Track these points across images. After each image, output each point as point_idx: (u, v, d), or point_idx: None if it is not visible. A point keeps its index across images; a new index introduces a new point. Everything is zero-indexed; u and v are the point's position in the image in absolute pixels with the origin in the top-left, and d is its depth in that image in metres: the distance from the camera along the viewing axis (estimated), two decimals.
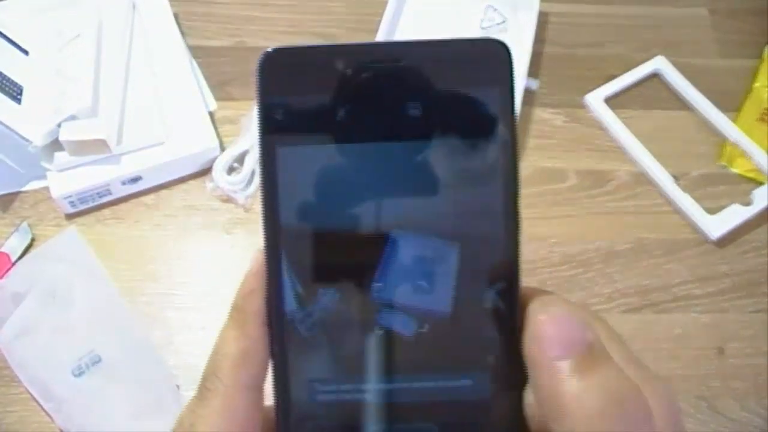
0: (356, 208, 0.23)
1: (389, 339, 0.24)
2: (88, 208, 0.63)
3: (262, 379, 0.23)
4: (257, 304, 0.23)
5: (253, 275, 0.24)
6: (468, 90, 0.23)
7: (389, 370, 0.24)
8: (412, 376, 0.24)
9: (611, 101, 0.72)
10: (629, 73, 0.73)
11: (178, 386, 0.56)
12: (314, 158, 0.23)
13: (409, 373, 0.24)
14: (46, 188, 0.62)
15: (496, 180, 0.23)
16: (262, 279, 0.24)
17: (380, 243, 0.23)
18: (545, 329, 0.22)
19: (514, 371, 0.23)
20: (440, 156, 0.23)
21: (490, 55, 0.23)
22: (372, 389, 0.24)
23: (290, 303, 0.23)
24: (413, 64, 0.23)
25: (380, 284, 0.23)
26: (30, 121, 0.60)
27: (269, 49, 0.23)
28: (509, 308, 0.24)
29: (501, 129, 0.23)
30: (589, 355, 0.21)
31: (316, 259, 0.24)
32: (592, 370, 0.21)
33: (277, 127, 0.23)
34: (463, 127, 0.23)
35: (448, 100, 0.23)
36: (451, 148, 0.23)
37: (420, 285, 0.24)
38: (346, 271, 0.24)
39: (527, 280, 0.68)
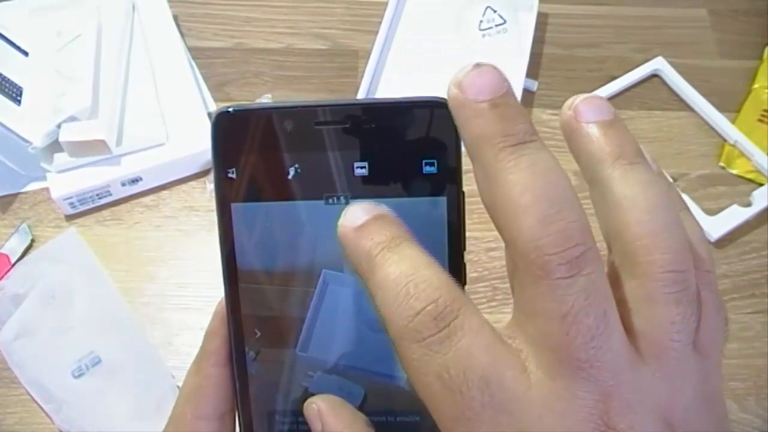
0: (302, 263, 0.25)
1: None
2: (88, 209, 0.63)
3: (218, 411, 0.26)
4: (214, 344, 0.26)
5: (215, 318, 0.26)
6: (414, 149, 0.24)
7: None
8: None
9: (611, 102, 0.72)
10: (629, 73, 0.73)
11: (178, 387, 0.56)
12: (265, 214, 0.25)
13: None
14: (46, 189, 0.62)
15: (444, 235, 0.24)
16: (221, 323, 0.26)
17: (323, 296, 0.25)
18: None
19: None
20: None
21: (437, 115, 0.24)
22: None
23: (247, 347, 0.25)
24: (360, 125, 0.24)
25: (321, 340, 0.25)
26: (30, 122, 0.60)
27: (222, 108, 0.25)
28: None
29: (447, 186, 0.24)
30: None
31: (266, 309, 0.25)
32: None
33: (230, 184, 0.25)
34: (410, 185, 0.24)
35: (394, 159, 0.24)
36: (398, 205, 0.24)
37: (359, 345, 0.25)
38: (292, 325, 0.25)
39: None
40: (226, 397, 0.26)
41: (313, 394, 0.24)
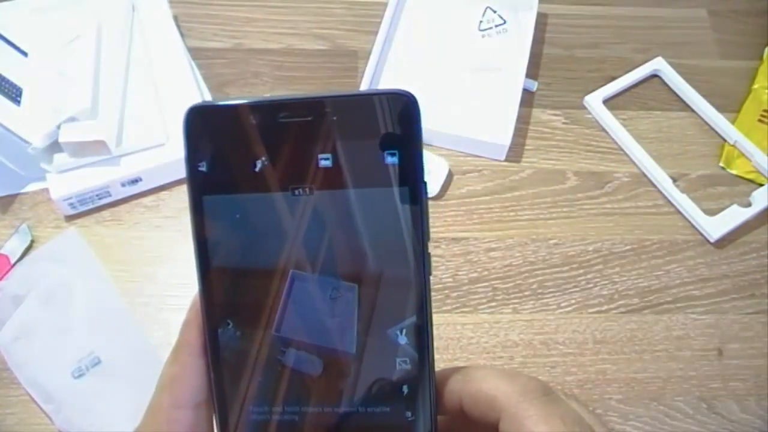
0: (271, 252, 0.26)
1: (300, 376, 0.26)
2: (88, 209, 0.63)
3: (194, 399, 0.26)
4: (190, 335, 0.27)
5: (191, 309, 0.27)
6: (376, 140, 0.25)
7: (306, 399, 0.26)
8: (328, 402, 0.26)
9: (611, 102, 0.72)
10: (629, 74, 0.73)
11: None
12: (235, 206, 0.26)
13: (325, 400, 0.26)
14: (46, 190, 0.62)
15: (407, 225, 0.25)
16: (197, 314, 0.26)
17: (290, 285, 0.26)
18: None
19: (427, 400, 0.25)
20: (350, 204, 0.25)
21: (398, 106, 0.25)
22: (296, 412, 0.26)
23: (220, 336, 0.26)
24: (323, 118, 0.25)
25: (290, 323, 0.26)
26: (29, 122, 0.60)
27: (193, 105, 0.25)
28: (420, 344, 0.26)
29: (409, 177, 0.25)
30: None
31: (237, 298, 0.26)
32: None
33: (202, 177, 0.25)
34: (373, 175, 0.25)
35: (357, 151, 0.25)
36: (361, 196, 0.25)
37: (326, 325, 0.26)
38: (261, 310, 0.26)
39: (528, 281, 0.68)
40: (202, 386, 0.26)
41: (283, 377, 0.26)
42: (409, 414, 0.25)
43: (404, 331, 0.25)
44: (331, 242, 0.26)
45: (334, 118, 0.25)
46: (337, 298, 0.26)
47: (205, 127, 0.25)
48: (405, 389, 0.25)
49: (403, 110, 0.25)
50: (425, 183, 0.25)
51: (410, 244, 0.25)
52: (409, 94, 0.25)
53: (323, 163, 0.25)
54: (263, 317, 0.26)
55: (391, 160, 0.25)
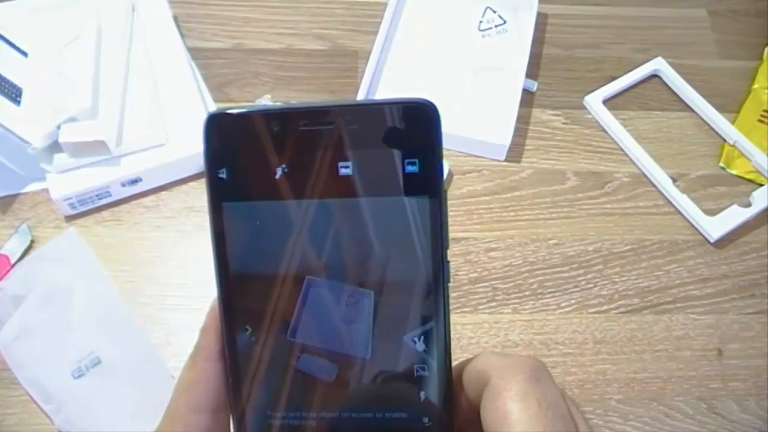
0: (290, 259, 0.26)
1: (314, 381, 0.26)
2: (88, 209, 0.63)
3: (211, 405, 0.26)
4: (208, 340, 0.26)
5: (209, 314, 0.27)
6: (396, 149, 0.25)
7: (323, 405, 0.26)
8: (345, 407, 0.26)
9: (610, 102, 0.72)
10: (628, 74, 0.73)
11: None
12: (255, 213, 0.26)
13: (342, 406, 0.26)
14: (46, 190, 0.62)
15: (426, 233, 0.25)
16: (216, 319, 0.26)
17: (307, 292, 0.26)
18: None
19: (444, 405, 0.25)
20: (370, 212, 0.25)
21: (419, 116, 0.25)
22: (313, 418, 0.26)
23: (238, 342, 0.26)
24: (343, 126, 0.25)
25: (306, 329, 0.26)
26: (29, 123, 0.60)
27: (213, 112, 0.26)
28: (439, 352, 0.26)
29: (429, 186, 0.25)
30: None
31: (255, 304, 0.26)
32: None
33: (222, 184, 0.26)
34: (392, 184, 0.25)
35: (377, 159, 0.25)
36: (381, 204, 0.25)
37: (342, 331, 0.26)
38: (278, 316, 0.26)
39: (528, 281, 0.68)
40: (220, 391, 0.26)
41: (300, 382, 0.26)
42: (426, 420, 0.25)
43: (422, 338, 0.25)
44: (349, 249, 0.26)
45: (355, 126, 0.25)
46: (353, 304, 0.26)
47: (225, 134, 0.26)
48: (422, 395, 0.25)
49: (423, 119, 0.25)
50: (445, 191, 0.25)
51: (429, 251, 0.25)
52: (430, 103, 0.25)
53: (343, 171, 0.25)
54: (281, 323, 0.26)
55: (411, 168, 0.25)
